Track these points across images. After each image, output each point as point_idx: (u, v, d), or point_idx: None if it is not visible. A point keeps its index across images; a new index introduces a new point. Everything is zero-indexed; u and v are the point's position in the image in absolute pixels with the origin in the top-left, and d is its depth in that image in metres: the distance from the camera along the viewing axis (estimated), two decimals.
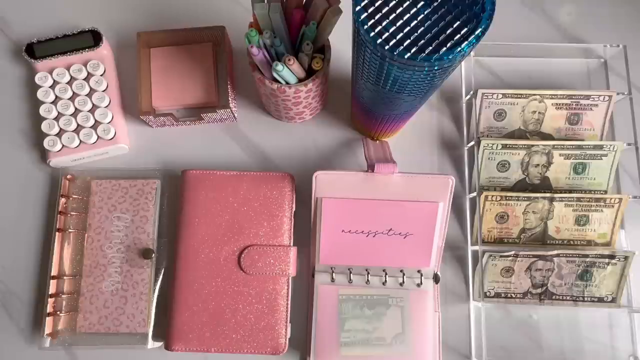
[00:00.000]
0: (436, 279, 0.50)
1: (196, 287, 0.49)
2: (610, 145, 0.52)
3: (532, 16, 0.60)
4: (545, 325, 0.52)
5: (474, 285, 0.52)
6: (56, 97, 0.55)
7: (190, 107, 0.56)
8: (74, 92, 0.55)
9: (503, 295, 0.51)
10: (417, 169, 0.54)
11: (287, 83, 0.46)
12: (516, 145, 0.52)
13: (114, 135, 0.55)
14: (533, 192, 0.52)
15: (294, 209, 0.52)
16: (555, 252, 0.50)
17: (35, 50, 0.55)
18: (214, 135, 0.57)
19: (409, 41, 0.32)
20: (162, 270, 0.52)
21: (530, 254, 0.50)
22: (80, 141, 0.54)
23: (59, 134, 0.54)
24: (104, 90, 0.56)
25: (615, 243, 0.52)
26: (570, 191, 0.53)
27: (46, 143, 0.53)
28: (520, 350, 0.51)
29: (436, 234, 0.49)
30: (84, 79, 0.55)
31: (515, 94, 0.54)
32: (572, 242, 0.53)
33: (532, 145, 0.52)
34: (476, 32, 0.31)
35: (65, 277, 0.51)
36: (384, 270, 0.50)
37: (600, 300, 0.51)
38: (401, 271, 0.50)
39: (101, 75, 0.56)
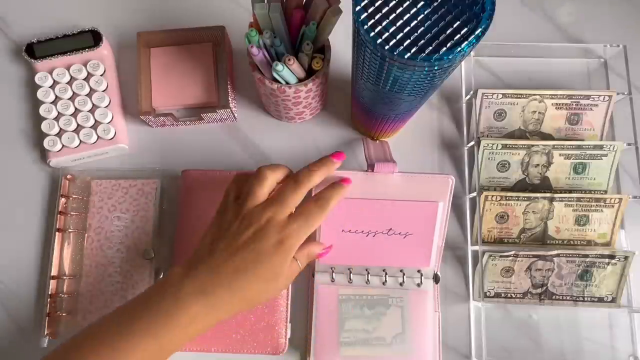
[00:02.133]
0: (436, 279, 0.50)
1: None
2: (610, 145, 0.52)
3: (532, 16, 0.60)
4: (545, 325, 0.52)
5: (474, 285, 0.52)
6: (56, 97, 0.55)
7: (190, 107, 0.56)
8: (74, 92, 0.55)
9: (503, 295, 0.51)
10: (417, 169, 0.54)
11: (287, 83, 0.46)
12: (516, 145, 0.52)
13: (114, 135, 0.55)
14: (533, 192, 0.52)
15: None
16: (555, 252, 0.50)
17: (35, 50, 0.55)
18: (214, 135, 0.57)
19: (409, 41, 0.32)
20: (162, 270, 0.52)
21: (530, 254, 0.50)
22: (80, 141, 0.54)
23: (59, 134, 0.54)
24: (104, 90, 0.56)
25: (615, 243, 0.52)
26: (570, 191, 0.53)
27: (46, 143, 0.53)
28: (520, 350, 0.51)
29: (436, 233, 0.49)
30: (84, 79, 0.55)
31: (515, 94, 0.54)
32: (572, 242, 0.53)
33: (532, 145, 0.52)
34: (476, 32, 0.31)
35: (65, 277, 0.51)
36: (383, 270, 0.50)
37: (600, 300, 0.51)
38: (401, 271, 0.50)
39: (101, 75, 0.56)
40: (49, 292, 0.50)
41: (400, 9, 0.32)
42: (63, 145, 0.54)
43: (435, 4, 0.32)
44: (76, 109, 0.55)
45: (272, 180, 0.42)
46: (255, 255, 0.39)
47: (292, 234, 0.40)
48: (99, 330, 0.37)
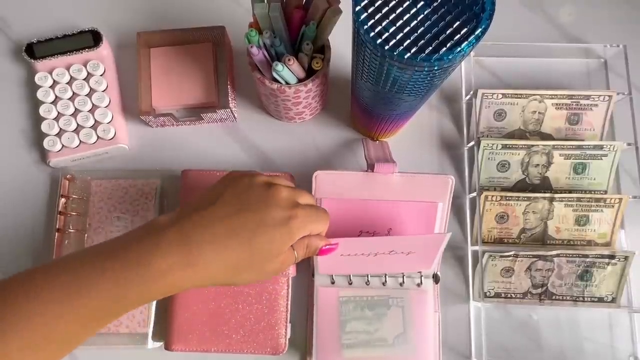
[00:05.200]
0: (436, 279, 0.50)
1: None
2: (610, 145, 0.52)
3: (532, 16, 0.60)
4: (545, 325, 0.52)
5: (474, 285, 0.52)
6: (56, 97, 0.55)
7: (190, 107, 0.56)
8: (74, 92, 0.55)
9: (503, 295, 0.51)
10: (417, 169, 0.54)
11: (287, 83, 0.46)
12: (516, 145, 0.52)
13: (114, 135, 0.55)
14: (533, 192, 0.52)
15: None
16: (555, 252, 0.50)
17: (35, 50, 0.55)
18: (214, 135, 0.57)
19: (409, 41, 0.32)
20: None
21: (530, 254, 0.50)
22: (80, 141, 0.54)
23: (59, 134, 0.54)
24: (104, 90, 0.56)
25: (615, 243, 0.52)
26: (570, 191, 0.53)
27: (46, 143, 0.53)
28: (520, 350, 0.51)
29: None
30: (84, 79, 0.55)
31: (515, 94, 0.54)
32: (572, 242, 0.53)
33: (532, 145, 0.52)
34: (476, 32, 0.31)
35: None
36: None
37: (600, 300, 0.51)
38: (401, 272, 0.50)
39: (101, 75, 0.56)
40: None
41: (400, 9, 0.32)
42: (63, 145, 0.54)
43: (435, 4, 0.32)
44: (76, 109, 0.55)
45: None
46: (258, 221, 0.36)
47: (299, 215, 0.37)
48: (61, 262, 0.33)
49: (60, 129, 0.54)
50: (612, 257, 0.50)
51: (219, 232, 0.35)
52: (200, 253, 0.34)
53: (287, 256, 0.38)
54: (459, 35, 0.31)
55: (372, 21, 0.32)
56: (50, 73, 0.55)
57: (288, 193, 0.38)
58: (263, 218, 0.36)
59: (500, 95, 0.54)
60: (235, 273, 0.36)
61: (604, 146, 0.52)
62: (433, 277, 0.50)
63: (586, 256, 0.50)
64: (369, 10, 0.32)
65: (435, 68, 0.33)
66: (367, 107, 0.46)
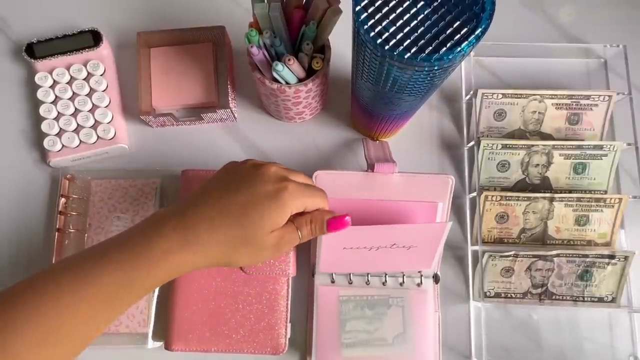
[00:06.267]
0: (436, 278, 0.50)
1: (196, 287, 0.49)
2: (610, 145, 0.52)
3: (532, 16, 0.60)
4: (545, 325, 0.52)
5: (474, 285, 0.52)
6: (56, 97, 0.55)
7: (190, 107, 0.56)
8: (74, 92, 0.55)
9: (503, 295, 0.51)
10: (417, 169, 0.54)
11: (287, 83, 0.46)
12: (516, 145, 0.52)
13: (114, 135, 0.55)
14: (533, 192, 0.52)
15: None
16: (555, 252, 0.50)
17: (35, 50, 0.55)
18: (214, 135, 0.57)
19: (409, 41, 0.32)
20: None
21: (530, 254, 0.50)
22: (80, 141, 0.54)
23: (59, 134, 0.54)
24: (104, 90, 0.56)
25: (615, 243, 0.52)
26: (570, 191, 0.53)
27: (46, 143, 0.53)
28: (520, 350, 0.51)
29: None
30: (84, 79, 0.55)
31: (515, 94, 0.54)
32: (572, 242, 0.53)
33: (532, 145, 0.52)
34: (476, 32, 0.31)
35: None
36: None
37: (600, 300, 0.51)
38: (401, 271, 0.50)
39: (101, 75, 0.56)
40: None
41: (400, 9, 0.32)
42: (63, 145, 0.54)
43: (435, 4, 0.32)
44: (76, 109, 0.55)
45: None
46: (246, 198, 0.37)
47: (290, 188, 0.37)
48: (72, 258, 0.36)
49: (60, 128, 0.54)
50: (612, 257, 0.50)
51: (212, 214, 0.36)
52: (196, 235, 0.36)
53: (287, 233, 0.38)
54: (459, 35, 0.31)
55: (372, 21, 0.32)
56: (50, 73, 0.55)
57: (277, 169, 0.39)
58: (252, 194, 0.37)
59: (500, 95, 0.54)
60: (232, 251, 0.37)
61: (604, 146, 0.52)
62: (433, 277, 0.50)
63: (586, 256, 0.50)
64: (369, 10, 0.32)
65: (435, 68, 0.33)
66: (367, 107, 0.46)
